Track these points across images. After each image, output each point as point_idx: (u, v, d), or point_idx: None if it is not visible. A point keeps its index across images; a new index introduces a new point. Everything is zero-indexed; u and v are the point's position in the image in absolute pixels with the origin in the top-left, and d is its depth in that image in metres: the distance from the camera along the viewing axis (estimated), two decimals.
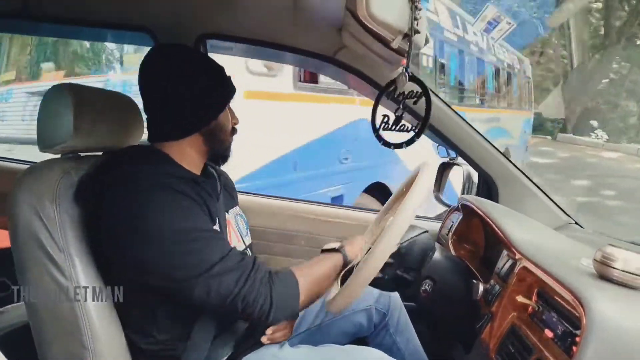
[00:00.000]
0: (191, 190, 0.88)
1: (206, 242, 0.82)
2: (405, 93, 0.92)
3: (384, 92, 0.92)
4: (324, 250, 1.01)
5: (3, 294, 1.09)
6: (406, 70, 0.88)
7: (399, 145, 0.93)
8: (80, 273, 0.85)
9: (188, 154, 0.95)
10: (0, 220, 0.90)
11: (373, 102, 1.00)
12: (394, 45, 0.81)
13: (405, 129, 0.93)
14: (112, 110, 1.00)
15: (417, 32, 0.83)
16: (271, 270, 0.87)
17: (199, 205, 0.87)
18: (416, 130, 0.93)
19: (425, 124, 0.95)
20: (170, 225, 0.80)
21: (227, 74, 0.99)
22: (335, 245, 1.00)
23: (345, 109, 3.23)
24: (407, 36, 0.80)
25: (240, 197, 1.20)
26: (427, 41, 0.85)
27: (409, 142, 0.93)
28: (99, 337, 0.85)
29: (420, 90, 0.91)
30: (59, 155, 0.96)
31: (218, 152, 1.00)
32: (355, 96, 3.17)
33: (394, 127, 0.92)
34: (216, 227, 0.93)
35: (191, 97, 0.91)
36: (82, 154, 0.99)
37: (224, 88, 0.97)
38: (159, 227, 0.79)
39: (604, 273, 0.69)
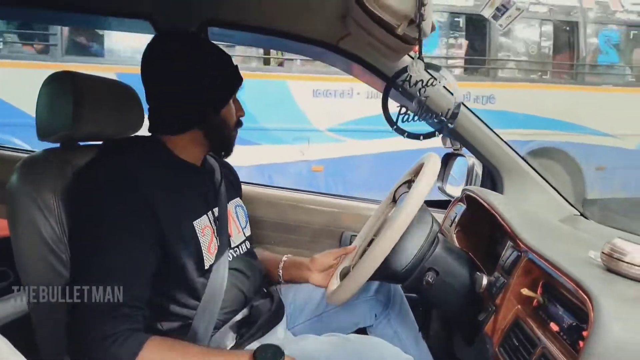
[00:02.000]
0: (184, 181, 0.89)
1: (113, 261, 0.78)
2: (425, 81, 0.89)
3: (393, 82, 0.89)
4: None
5: (4, 284, 1.09)
6: (419, 58, 0.86)
7: (429, 135, 0.90)
8: None
9: (188, 146, 0.93)
10: None
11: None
12: (400, 31, 0.79)
13: (432, 116, 0.90)
14: (112, 99, 0.98)
15: (423, 18, 0.81)
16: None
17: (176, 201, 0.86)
18: (447, 117, 0.90)
19: (459, 106, 0.91)
20: (100, 225, 0.79)
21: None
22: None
23: None
24: (413, 22, 0.78)
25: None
26: (433, 28, 0.83)
27: (440, 130, 0.90)
28: None
29: (437, 75, 0.89)
30: (58, 144, 0.95)
31: (220, 146, 0.98)
32: None
33: (416, 117, 0.89)
34: (211, 218, 0.92)
35: (191, 90, 0.88)
36: (81, 143, 0.98)
37: (229, 80, 0.93)
38: (94, 223, 0.79)
39: (612, 266, 0.68)
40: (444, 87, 0.92)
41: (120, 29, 1.72)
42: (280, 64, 4.33)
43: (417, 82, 0.88)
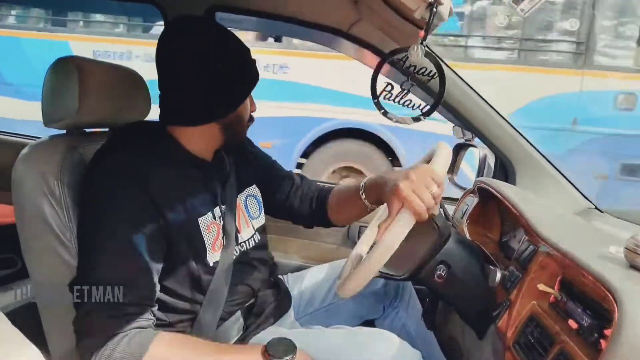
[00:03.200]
0: (191, 176, 0.88)
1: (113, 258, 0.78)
2: (417, 67, 0.87)
3: (389, 57, 0.87)
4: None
5: (11, 271, 1.09)
6: (422, 43, 0.83)
7: (403, 120, 0.89)
8: None
9: (199, 140, 0.90)
10: (4, 195, 0.88)
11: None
12: (417, 15, 0.76)
13: (410, 104, 0.88)
14: (118, 85, 0.96)
15: (440, 3, 0.77)
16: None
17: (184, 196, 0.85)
18: (423, 111, 0.89)
19: (436, 105, 0.90)
20: (104, 220, 0.78)
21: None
22: None
23: None
24: (431, 6, 0.75)
25: None
26: (451, 12, 0.80)
27: (416, 119, 0.89)
28: None
29: (433, 70, 0.87)
30: (64, 131, 0.93)
31: (233, 142, 0.94)
32: None
33: (397, 99, 0.87)
34: (217, 215, 0.91)
35: (208, 84, 0.84)
36: (87, 130, 0.96)
37: (248, 75, 0.90)
38: (99, 217, 0.79)
39: (636, 262, 0.65)
40: (432, 80, 0.89)
41: (126, 13, 1.70)
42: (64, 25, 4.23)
43: (410, 65, 0.85)
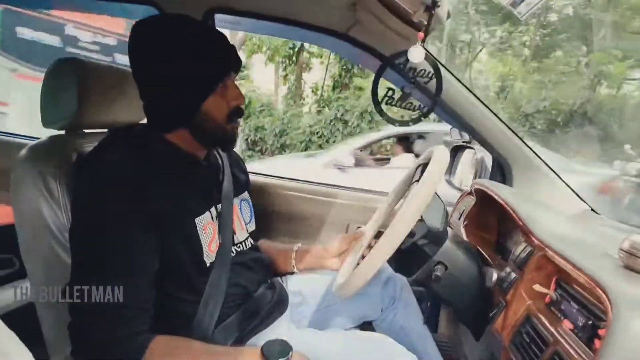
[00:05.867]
0: (186, 176, 0.86)
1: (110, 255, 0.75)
2: (417, 70, 0.88)
3: (390, 62, 0.87)
4: None
5: (9, 271, 1.09)
6: (422, 45, 0.84)
7: (404, 123, 0.90)
8: None
9: (185, 140, 0.88)
10: (2, 196, 0.88)
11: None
12: (416, 18, 0.77)
13: (411, 107, 0.90)
14: (116, 87, 0.96)
15: (438, 5, 0.78)
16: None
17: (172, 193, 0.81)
18: (424, 111, 0.90)
19: (434, 105, 0.91)
20: (96, 220, 0.75)
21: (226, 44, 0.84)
22: None
23: None
24: (429, 9, 0.75)
25: None
26: (449, 15, 0.80)
27: (416, 120, 0.90)
28: None
29: (431, 70, 0.88)
30: (63, 132, 0.93)
31: (212, 142, 0.91)
32: None
33: (399, 103, 0.88)
34: (213, 215, 0.90)
35: (159, 89, 0.82)
36: (86, 131, 0.96)
37: (208, 68, 0.82)
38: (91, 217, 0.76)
39: (630, 263, 0.65)
40: (430, 82, 0.91)
41: (124, 15, 1.70)
42: None
43: (411, 68, 0.86)
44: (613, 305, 0.57)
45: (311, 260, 1.12)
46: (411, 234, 0.98)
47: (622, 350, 0.54)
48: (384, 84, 0.97)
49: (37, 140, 0.90)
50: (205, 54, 0.81)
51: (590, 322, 0.64)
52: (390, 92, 0.89)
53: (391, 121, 0.90)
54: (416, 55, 0.82)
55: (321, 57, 8.93)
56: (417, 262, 0.98)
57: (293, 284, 1.18)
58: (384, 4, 0.88)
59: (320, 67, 9.15)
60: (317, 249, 1.12)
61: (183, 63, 0.80)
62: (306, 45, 8.50)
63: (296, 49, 8.69)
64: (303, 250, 1.14)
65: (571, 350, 0.64)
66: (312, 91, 9.17)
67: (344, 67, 8.30)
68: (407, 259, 0.98)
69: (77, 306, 0.72)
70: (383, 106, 0.90)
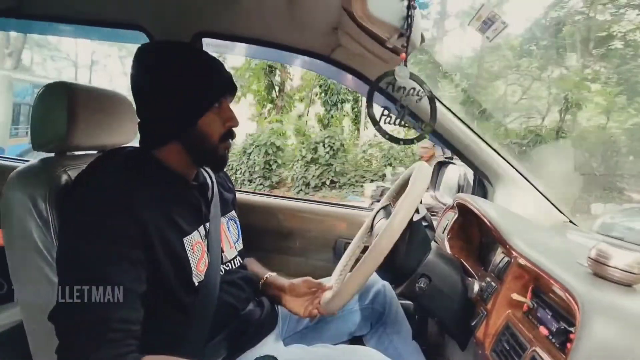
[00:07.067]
0: (175, 196, 0.88)
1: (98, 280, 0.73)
2: (407, 89, 0.91)
3: (378, 83, 0.91)
4: None
5: None
6: (405, 65, 0.88)
7: (409, 141, 0.92)
8: None
9: (175, 159, 0.90)
10: None
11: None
12: (390, 44, 0.81)
13: (409, 124, 0.92)
14: (106, 109, 0.99)
15: (412, 30, 0.83)
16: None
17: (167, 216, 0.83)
18: (423, 128, 0.93)
19: (434, 118, 0.94)
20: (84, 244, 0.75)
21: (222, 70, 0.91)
22: None
23: None
24: (403, 35, 0.80)
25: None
26: (422, 40, 0.85)
27: (419, 137, 0.92)
28: None
29: (420, 88, 0.91)
30: (52, 154, 0.95)
31: (203, 160, 0.94)
32: None
33: (397, 121, 0.91)
34: (202, 234, 0.92)
35: (163, 101, 0.85)
36: (76, 153, 0.98)
37: (206, 89, 0.87)
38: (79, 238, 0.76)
39: (598, 271, 0.69)
40: (421, 99, 0.94)
41: (114, 39, 1.74)
42: None
43: (400, 88, 0.89)
44: (581, 311, 0.60)
45: (273, 292, 1.12)
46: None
47: (590, 350, 0.57)
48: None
49: (27, 163, 0.92)
50: (206, 74, 0.87)
51: (562, 328, 0.67)
52: (386, 112, 0.91)
53: (395, 140, 0.92)
54: (402, 75, 0.86)
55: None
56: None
57: None
58: (363, 29, 0.93)
59: None
60: (283, 284, 1.11)
61: (184, 80, 0.85)
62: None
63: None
64: (272, 280, 1.14)
65: (546, 355, 0.66)
66: None
67: None
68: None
69: (63, 327, 0.72)
70: (382, 124, 0.92)
